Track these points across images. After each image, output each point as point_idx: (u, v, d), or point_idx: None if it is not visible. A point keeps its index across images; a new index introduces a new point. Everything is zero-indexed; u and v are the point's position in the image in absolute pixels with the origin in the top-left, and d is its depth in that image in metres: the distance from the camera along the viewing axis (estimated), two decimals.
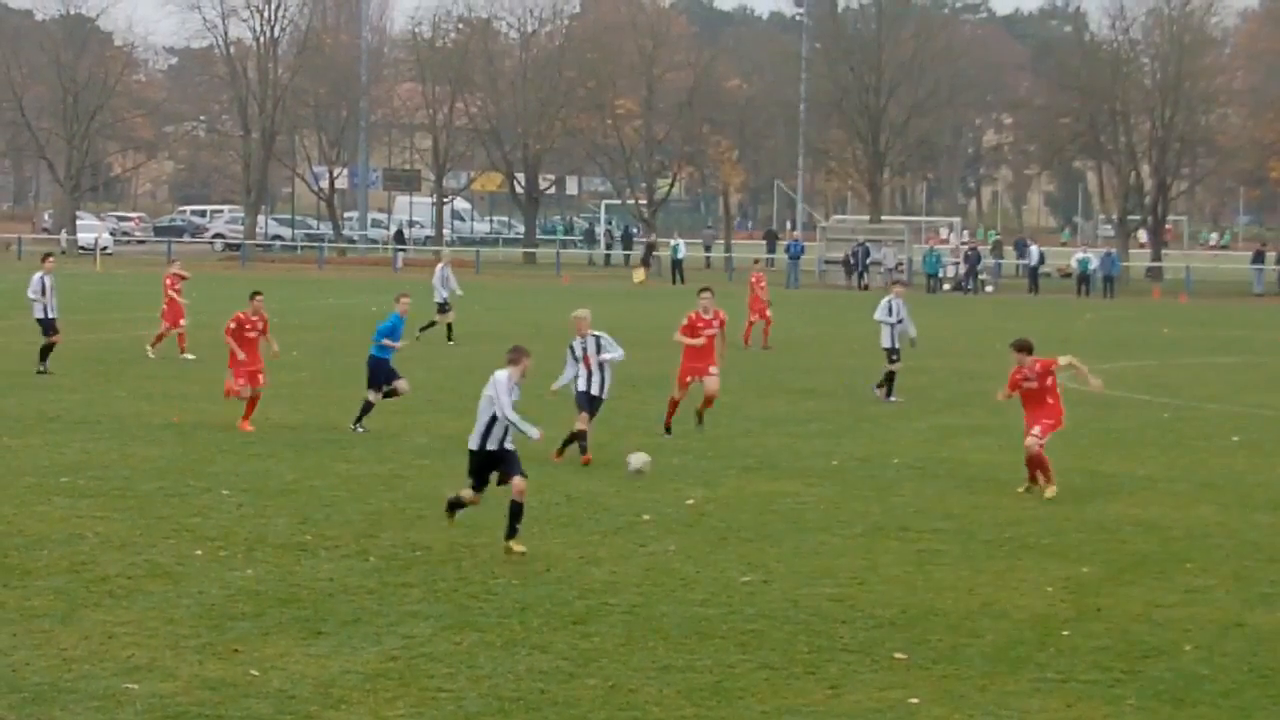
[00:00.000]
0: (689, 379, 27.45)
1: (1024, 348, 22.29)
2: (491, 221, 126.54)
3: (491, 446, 17.99)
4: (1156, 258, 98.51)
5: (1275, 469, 25.58)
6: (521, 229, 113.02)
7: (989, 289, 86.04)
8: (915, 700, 13.28)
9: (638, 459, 20.88)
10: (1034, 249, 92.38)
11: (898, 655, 14.50)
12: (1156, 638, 15.34)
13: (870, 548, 19.02)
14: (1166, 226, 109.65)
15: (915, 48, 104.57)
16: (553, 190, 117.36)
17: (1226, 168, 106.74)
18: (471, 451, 18.16)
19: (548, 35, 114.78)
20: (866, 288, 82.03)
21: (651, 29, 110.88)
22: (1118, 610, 16.34)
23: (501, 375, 18.03)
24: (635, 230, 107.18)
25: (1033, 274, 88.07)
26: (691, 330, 27.51)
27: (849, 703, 13.24)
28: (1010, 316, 63.04)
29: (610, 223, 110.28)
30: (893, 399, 33.13)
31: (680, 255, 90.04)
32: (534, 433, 18.14)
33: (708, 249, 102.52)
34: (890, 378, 33.58)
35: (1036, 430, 22.21)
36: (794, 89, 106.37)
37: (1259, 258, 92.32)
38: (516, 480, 17.86)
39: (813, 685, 13.64)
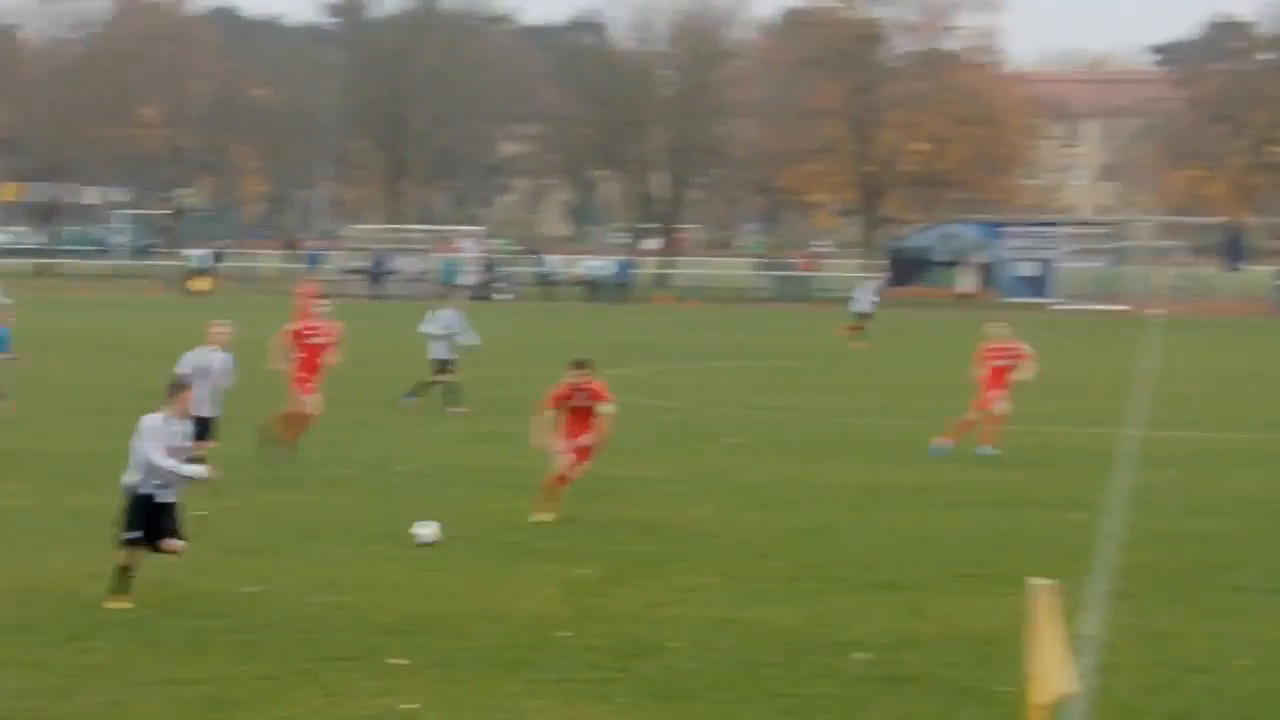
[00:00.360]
0: (306, 396, 26.79)
1: (582, 365, 21.91)
2: (6, 232, 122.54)
3: (146, 491, 16.56)
4: (668, 265, 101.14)
5: (769, 468, 26.65)
6: (40, 240, 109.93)
7: (506, 296, 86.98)
8: (414, 705, 13.45)
9: (427, 530, 20.02)
10: (553, 257, 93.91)
11: (397, 661, 14.68)
12: (650, 636, 15.79)
13: (374, 555, 19.20)
14: (679, 235, 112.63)
15: (442, 58, 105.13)
16: (73, 200, 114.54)
17: (738, 177, 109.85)
18: (135, 496, 16.60)
19: (73, 44, 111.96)
20: (382, 297, 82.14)
21: (178, 37, 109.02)
22: (614, 610, 16.81)
23: (152, 420, 16.52)
24: (156, 240, 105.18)
25: (547, 281, 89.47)
26: (298, 337, 26.92)
27: (347, 709, 13.38)
28: (526, 323, 64.02)
29: (129, 232, 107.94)
30: (458, 409, 33.44)
31: (202, 265, 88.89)
32: (199, 472, 16.77)
33: (218, 258, 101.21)
34: (426, 387, 34.09)
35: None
36: (321, 98, 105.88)
37: (765, 265, 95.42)
38: (172, 543, 16.61)
39: (311, 694, 13.72)
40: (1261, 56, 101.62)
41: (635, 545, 20.15)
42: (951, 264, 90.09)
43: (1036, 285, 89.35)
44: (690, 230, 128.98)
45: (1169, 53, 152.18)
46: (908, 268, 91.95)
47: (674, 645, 15.47)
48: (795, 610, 17.00)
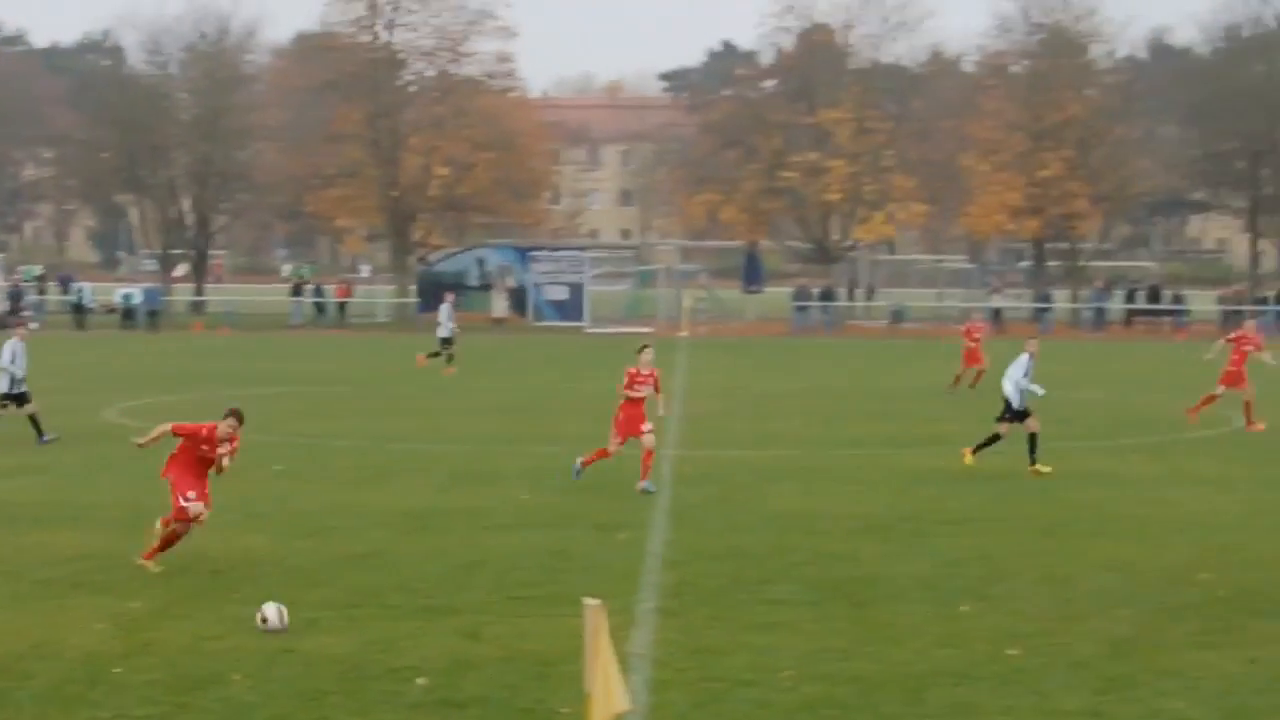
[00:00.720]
0: None
1: (240, 418, 20.72)
2: None
3: None
4: (199, 292, 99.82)
5: (317, 495, 26.61)
6: None
7: (33, 325, 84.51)
8: None
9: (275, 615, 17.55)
10: (84, 284, 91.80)
11: None
12: (207, 668, 15.73)
13: None
14: (216, 261, 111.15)
15: None
16: None
17: (264, 202, 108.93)
18: None
19: None
20: None
21: None
22: (169, 643, 16.64)
23: None
24: None
25: (78, 308, 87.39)
26: None
27: None
28: (57, 352, 62.47)
29: None
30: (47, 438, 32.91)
31: None
32: None
33: None
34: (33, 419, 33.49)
35: (193, 495, 20.58)
36: None
37: (297, 290, 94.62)
38: None
39: None
40: (765, 84, 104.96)
41: (186, 577, 19.95)
42: (485, 288, 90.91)
43: (567, 309, 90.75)
44: (222, 256, 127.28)
45: (677, 80, 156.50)
46: (440, 292, 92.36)
47: (232, 677, 15.43)
48: (351, 637, 17.09)
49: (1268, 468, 31.73)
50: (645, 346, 28.28)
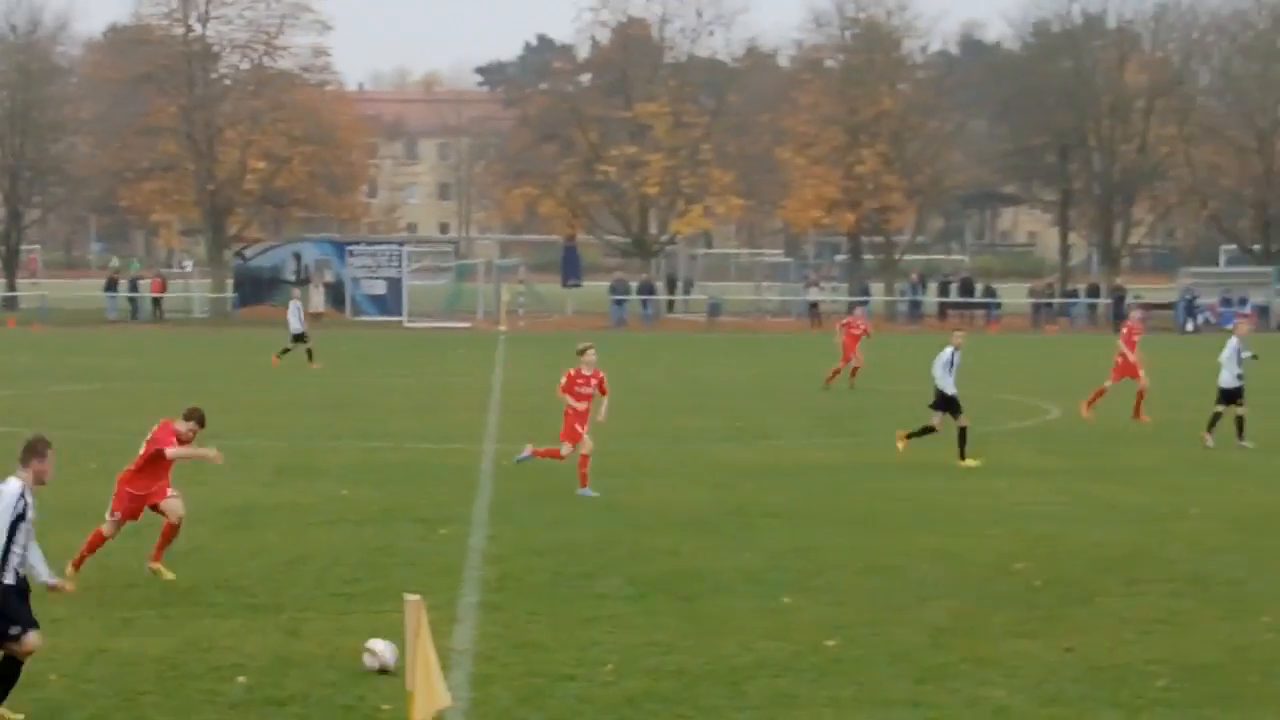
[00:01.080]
0: None
1: (200, 419, 20.06)
2: None
3: (9, 580, 14.19)
4: (11, 288, 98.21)
5: None
6: None
7: None
8: None
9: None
10: None
11: None
12: (23, 669, 15.49)
13: None
14: (31, 256, 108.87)
15: None
16: None
17: (78, 196, 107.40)
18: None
19: None
20: None
21: None
22: None
23: (12, 486, 14.24)
24: None
25: None
26: None
27: None
28: None
29: None
30: None
31: None
32: (47, 578, 14.79)
33: None
34: None
35: (118, 515, 20.29)
36: None
37: (111, 285, 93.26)
38: (31, 638, 14.27)
39: None
40: (581, 78, 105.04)
41: None
42: (302, 283, 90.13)
43: (385, 303, 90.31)
44: (36, 250, 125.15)
45: (494, 73, 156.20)
46: (257, 286, 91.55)
47: (48, 677, 15.25)
48: (169, 637, 16.95)
49: (1082, 459, 32.33)
50: (588, 347, 27.42)
